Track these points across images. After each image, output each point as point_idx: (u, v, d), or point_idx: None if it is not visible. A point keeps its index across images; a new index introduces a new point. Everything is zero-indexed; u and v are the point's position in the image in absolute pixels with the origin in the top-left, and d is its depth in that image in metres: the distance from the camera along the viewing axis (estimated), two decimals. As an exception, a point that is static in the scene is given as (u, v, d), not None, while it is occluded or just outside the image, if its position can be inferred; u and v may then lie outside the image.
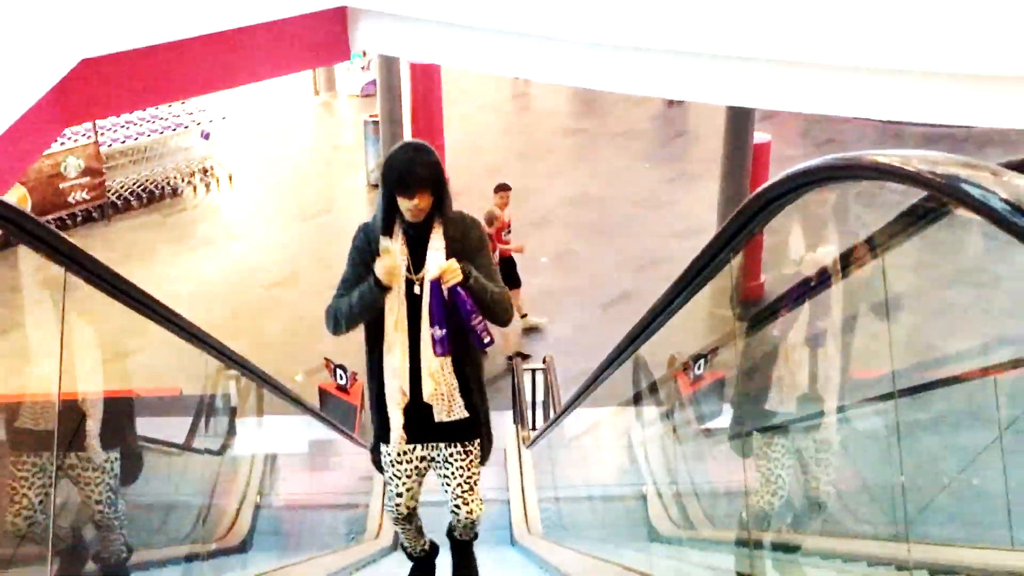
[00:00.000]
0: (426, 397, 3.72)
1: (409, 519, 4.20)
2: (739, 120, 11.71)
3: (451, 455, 3.94)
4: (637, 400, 6.62)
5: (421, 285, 3.62)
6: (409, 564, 4.66)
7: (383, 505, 4.09)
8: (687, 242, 13.08)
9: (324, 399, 9.94)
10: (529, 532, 7.47)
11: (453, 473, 3.96)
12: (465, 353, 3.76)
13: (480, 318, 3.58)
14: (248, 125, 18.87)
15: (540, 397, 9.94)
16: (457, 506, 4.04)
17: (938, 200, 1.54)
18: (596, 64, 7.64)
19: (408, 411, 3.79)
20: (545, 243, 13.94)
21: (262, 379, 5.80)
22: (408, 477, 4.01)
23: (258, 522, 6.53)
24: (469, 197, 15.61)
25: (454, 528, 4.34)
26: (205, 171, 16.63)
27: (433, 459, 3.98)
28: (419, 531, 4.40)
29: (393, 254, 3.56)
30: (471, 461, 3.97)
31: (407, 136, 14.63)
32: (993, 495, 4.27)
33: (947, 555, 3.82)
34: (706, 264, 2.97)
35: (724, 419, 4.78)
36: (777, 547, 3.96)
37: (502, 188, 12.01)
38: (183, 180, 16.42)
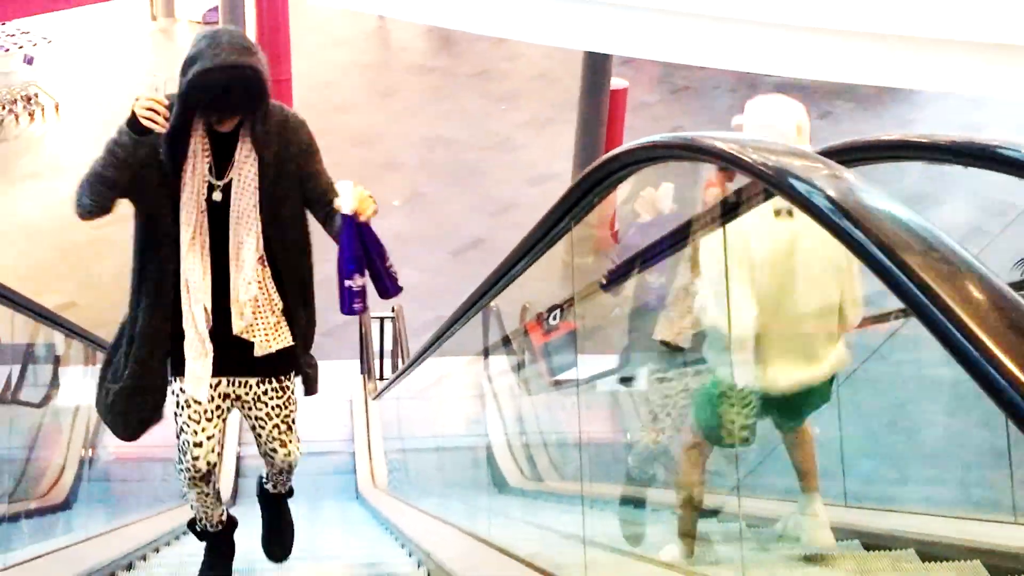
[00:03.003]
0: (237, 331, 3.13)
1: (207, 478, 3.41)
2: (597, 64, 11.76)
3: (265, 392, 3.33)
4: (488, 351, 6.64)
5: (224, 191, 3.05)
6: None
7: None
8: (540, 188, 13.16)
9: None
10: (375, 486, 7.46)
11: (268, 414, 3.36)
12: (293, 266, 3.23)
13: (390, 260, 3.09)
14: (77, 51, 18.01)
15: (388, 347, 9.87)
16: (274, 449, 3.45)
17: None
18: (453, 3, 7.55)
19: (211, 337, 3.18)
20: (396, 186, 13.80)
21: (71, 331, 5.55)
22: (209, 420, 3.27)
23: (84, 477, 6.32)
24: (316, 137, 15.36)
25: (266, 480, 3.82)
26: (28, 99, 15.80)
27: (240, 397, 3.33)
28: (218, 496, 3.63)
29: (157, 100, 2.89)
30: (288, 398, 3.39)
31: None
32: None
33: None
34: (545, 233, 2.98)
35: (575, 371, 4.80)
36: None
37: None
38: (3, 108, 15.56)
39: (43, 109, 15.87)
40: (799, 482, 3.59)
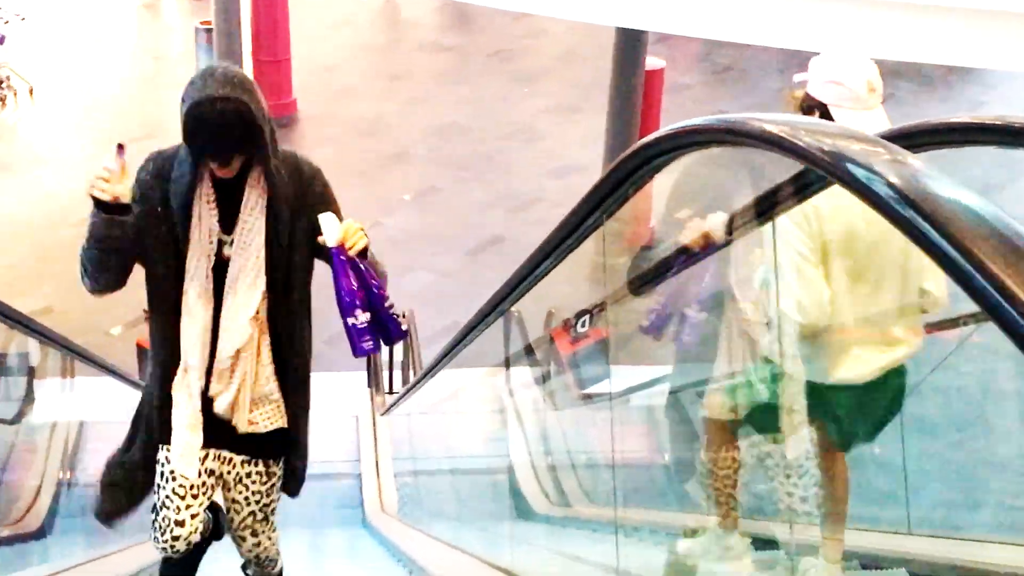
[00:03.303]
0: (219, 408, 3.16)
1: (187, 558, 3.41)
2: (630, 42, 11.71)
3: (248, 475, 3.35)
4: (509, 362, 6.64)
5: (231, 246, 3.10)
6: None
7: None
8: (565, 180, 13.14)
9: (143, 357, 9.68)
10: (383, 510, 7.46)
11: (248, 498, 3.37)
12: (293, 335, 3.24)
13: (390, 299, 3.08)
14: (54, 29, 18.11)
15: (398, 357, 9.88)
16: (242, 537, 3.48)
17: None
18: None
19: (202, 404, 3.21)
20: (406, 179, 13.82)
21: (50, 339, 5.57)
22: (195, 498, 3.25)
23: (61, 502, 6.34)
24: (316, 126, 15.41)
25: (247, 566, 3.78)
26: (0, 82, 15.91)
27: (220, 476, 3.34)
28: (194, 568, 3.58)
29: (116, 173, 2.99)
30: (272, 485, 3.40)
31: (245, 50, 14.22)
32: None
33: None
34: (576, 227, 2.97)
35: (607, 383, 4.80)
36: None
37: None
38: (-28, 93, 15.68)
39: (16, 93, 15.93)
40: (824, 522, 3.59)
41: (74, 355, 5.85)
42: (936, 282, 3.26)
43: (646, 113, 12.05)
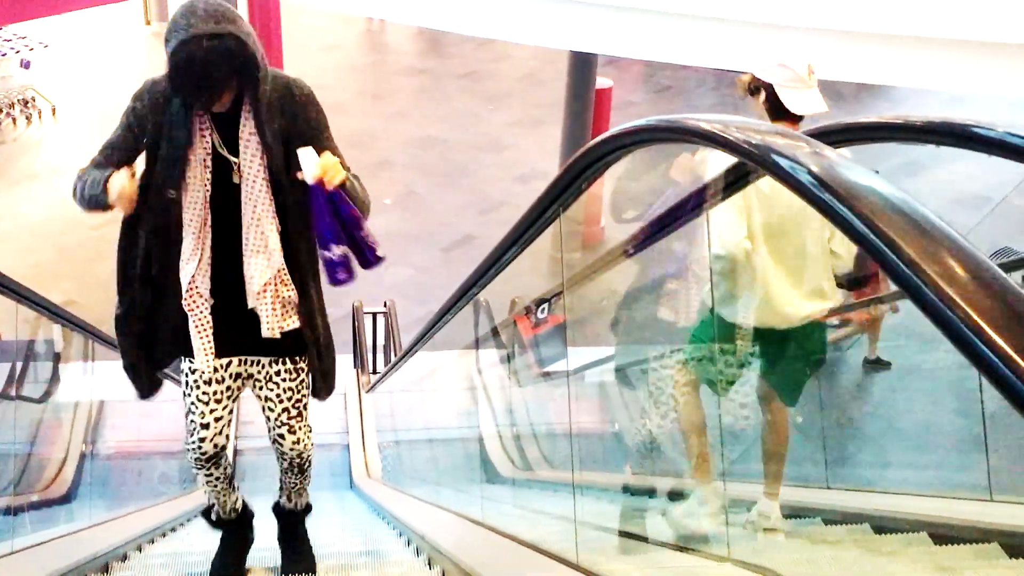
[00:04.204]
0: (251, 305, 2.93)
1: (216, 461, 3.21)
2: (582, 64, 11.75)
3: (277, 372, 3.12)
4: (478, 344, 6.63)
5: (240, 171, 2.82)
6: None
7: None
8: (528, 186, 13.14)
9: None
10: (369, 476, 7.45)
11: (279, 395, 3.14)
12: (301, 246, 2.96)
13: (368, 227, 2.86)
14: (73, 55, 17.92)
15: (381, 341, 9.86)
16: (281, 435, 3.21)
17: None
18: (440, 3, 7.53)
19: (219, 315, 2.97)
20: (388, 185, 13.77)
21: (77, 326, 5.52)
22: (218, 402, 3.09)
23: (84, 471, 6.29)
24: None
25: (280, 492, 3.61)
26: (26, 102, 15.71)
27: (251, 376, 3.14)
28: (230, 482, 3.43)
29: (128, 184, 2.72)
30: (302, 380, 3.17)
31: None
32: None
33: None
34: (536, 218, 2.96)
35: (564, 363, 4.80)
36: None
37: None
38: (1, 112, 15.48)
39: (40, 112, 15.78)
40: (764, 476, 3.62)
41: (96, 339, 5.79)
42: (841, 245, 3.32)
43: (597, 127, 12.08)
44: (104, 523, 5.06)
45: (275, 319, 2.95)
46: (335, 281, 2.89)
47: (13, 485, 4.76)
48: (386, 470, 7.66)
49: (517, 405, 7.14)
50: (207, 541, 4.05)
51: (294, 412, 3.19)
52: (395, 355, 8.72)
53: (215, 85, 2.63)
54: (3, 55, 15.46)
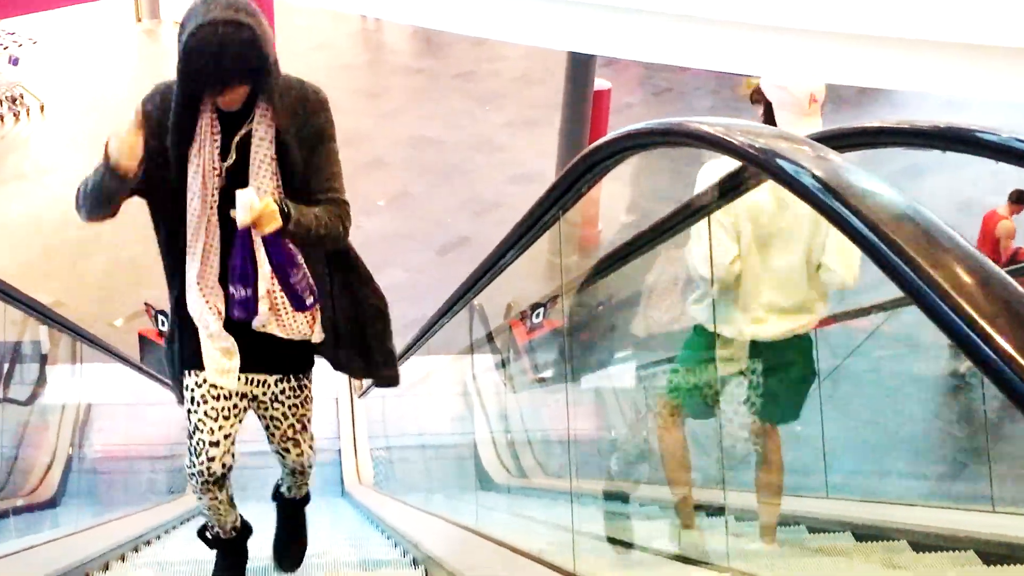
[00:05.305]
0: (257, 325, 2.89)
1: (221, 482, 3.12)
2: (580, 65, 11.76)
3: (282, 391, 3.10)
4: (473, 349, 6.63)
5: (235, 175, 2.74)
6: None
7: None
8: (523, 187, 13.15)
9: (145, 346, 9.60)
10: (360, 482, 7.45)
11: (284, 413, 3.13)
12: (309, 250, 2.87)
13: (303, 274, 2.78)
14: (62, 52, 17.90)
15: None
16: (286, 449, 3.22)
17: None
18: (439, 3, 7.53)
19: (229, 330, 2.91)
20: (381, 185, 13.77)
21: (65, 327, 5.50)
22: (226, 419, 3.01)
23: (71, 476, 6.28)
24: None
25: (281, 483, 3.59)
26: (14, 99, 15.69)
27: (255, 397, 3.10)
28: (231, 501, 3.34)
29: (134, 128, 2.57)
30: (306, 397, 3.16)
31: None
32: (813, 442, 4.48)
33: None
34: (535, 222, 2.96)
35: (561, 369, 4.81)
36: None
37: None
38: (-11, 109, 15.48)
39: (28, 110, 15.76)
40: (760, 515, 3.62)
41: (83, 341, 5.76)
42: (837, 260, 3.24)
43: (595, 129, 12.08)
44: (90, 529, 5.04)
45: (283, 323, 2.93)
46: (232, 315, 2.82)
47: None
48: (378, 477, 7.66)
49: (512, 411, 7.14)
50: (194, 550, 4.04)
51: (299, 427, 3.20)
52: (388, 359, 8.70)
53: (226, 73, 2.54)
54: (-9, 52, 15.45)
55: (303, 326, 2.97)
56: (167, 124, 2.70)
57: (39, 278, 10.80)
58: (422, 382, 7.70)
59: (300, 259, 2.78)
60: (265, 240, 2.65)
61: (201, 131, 2.73)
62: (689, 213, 2.85)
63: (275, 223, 2.60)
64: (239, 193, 2.59)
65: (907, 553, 3.35)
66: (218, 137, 2.74)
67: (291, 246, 2.74)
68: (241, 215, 2.57)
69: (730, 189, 2.37)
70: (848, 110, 16.12)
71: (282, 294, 2.85)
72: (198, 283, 2.84)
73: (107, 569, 4.19)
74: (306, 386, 3.16)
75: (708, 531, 3.51)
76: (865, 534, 3.62)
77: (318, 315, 3.01)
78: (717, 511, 3.53)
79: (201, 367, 2.95)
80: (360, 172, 13.38)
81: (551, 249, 3.34)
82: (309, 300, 2.81)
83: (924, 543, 3.37)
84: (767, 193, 3.06)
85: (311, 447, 3.28)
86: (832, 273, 3.27)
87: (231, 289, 2.77)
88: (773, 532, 3.59)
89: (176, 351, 3.04)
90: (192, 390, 3.00)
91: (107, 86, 17.27)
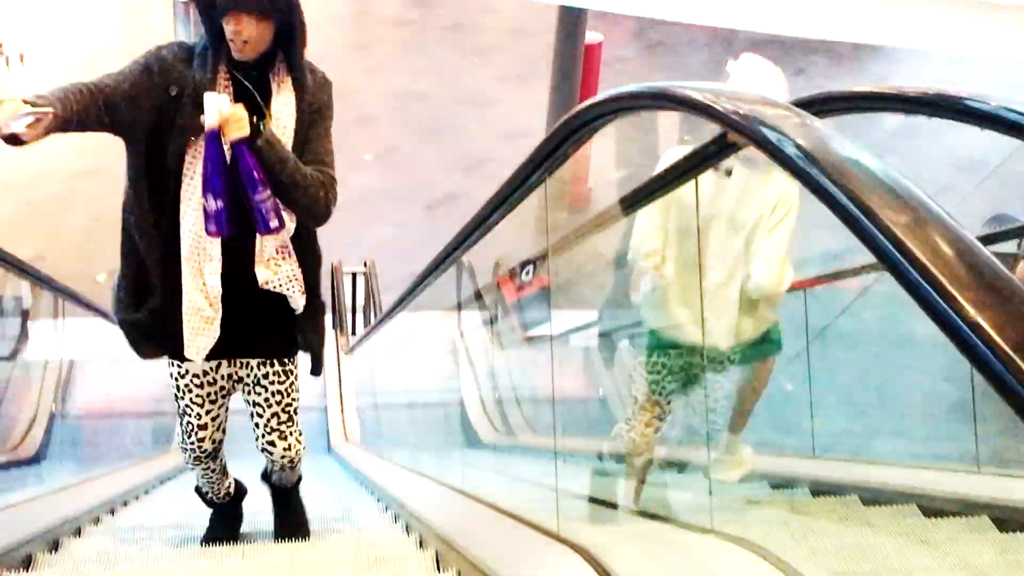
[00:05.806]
0: (261, 283, 2.90)
1: (214, 456, 3.30)
2: (571, 18, 11.68)
3: (265, 375, 3.14)
4: (460, 307, 6.65)
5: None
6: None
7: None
8: (514, 143, 13.09)
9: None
10: (347, 440, 7.48)
11: (268, 399, 3.16)
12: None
13: (269, 194, 2.72)
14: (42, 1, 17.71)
15: (361, 302, 9.86)
16: (272, 443, 3.23)
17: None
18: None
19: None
20: (369, 140, 13.70)
21: (46, 283, 5.49)
22: (213, 402, 3.15)
23: (54, 431, 6.30)
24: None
25: (271, 473, 3.59)
26: (-7, 49, 15.55)
27: (241, 379, 3.17)
28: (224, 470, 3.52)
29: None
30: (291, 384, 3.17)
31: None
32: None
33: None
34: (520, 183, 2.96)
35: (548, 326, 4.83)
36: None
37: None
38: (-33, 58, 15.32)
39: (7, 59, 15.60)
40: (733, 410, 3.68)
41: (65, 296, 5.76)
42: (759, 267, 3.18)
43: (586, 83, 12.03)
44: (75, 485, 5.08)
45: (275, 278, 2.92)
46: (208, 230, 2.78)
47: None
48: (364, 434, 7.70)
49: (500, 369, 7.18)
50: (183, 505, 4.08)
51: (284, 416, 3.21)
52: (375, 316, 8.73)
53: (254, 4, 2.64)
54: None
55: (287, 272, 2.93)
56: (180, 70, 2.74)
57: (20, 233, 10.75)
58: (410, 339, 7.73)
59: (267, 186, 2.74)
60: (234, 149, 2.66)
61: (218, 85, 2.76)
62: (633, 200, 2.88)
63: (243, 131, 2.63)
64: (208, 95, 2.62)
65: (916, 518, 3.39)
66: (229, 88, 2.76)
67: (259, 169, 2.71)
68: (210, 118, 2.59)
69: (674, 179, 2.38)
70: (847, 64, 16.10)
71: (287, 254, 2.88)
72: (211, 252, 2.83)
73: (98, 522, 4.24)
74: (291, 372, 3.17)
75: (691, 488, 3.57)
76: (870, 497, 3.67)
77: (300, 274, 2.99)
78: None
79: (182, 358, 2.97)
80: (347, 127, 13.28)
81: (541, 204, 3.34)
82: (274, 223, 2.77)
83: (931, 507, 3.41)
84: (707, 196, 3.01)
85: (299, 441, 3.29)
86: (752, 280, 3.20)
87: (203, 202, 2.73)
88: (741, 426, 3.67)
89: (143, 323, 3.01)
90: (176, 379, 3.12)
91: (89, 36, 17.11)
